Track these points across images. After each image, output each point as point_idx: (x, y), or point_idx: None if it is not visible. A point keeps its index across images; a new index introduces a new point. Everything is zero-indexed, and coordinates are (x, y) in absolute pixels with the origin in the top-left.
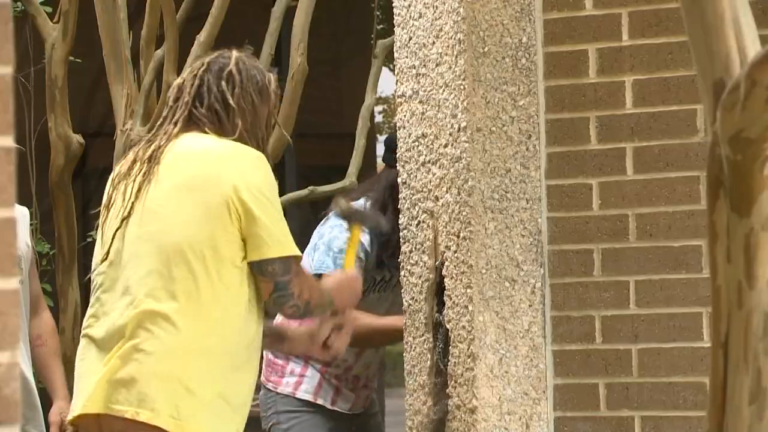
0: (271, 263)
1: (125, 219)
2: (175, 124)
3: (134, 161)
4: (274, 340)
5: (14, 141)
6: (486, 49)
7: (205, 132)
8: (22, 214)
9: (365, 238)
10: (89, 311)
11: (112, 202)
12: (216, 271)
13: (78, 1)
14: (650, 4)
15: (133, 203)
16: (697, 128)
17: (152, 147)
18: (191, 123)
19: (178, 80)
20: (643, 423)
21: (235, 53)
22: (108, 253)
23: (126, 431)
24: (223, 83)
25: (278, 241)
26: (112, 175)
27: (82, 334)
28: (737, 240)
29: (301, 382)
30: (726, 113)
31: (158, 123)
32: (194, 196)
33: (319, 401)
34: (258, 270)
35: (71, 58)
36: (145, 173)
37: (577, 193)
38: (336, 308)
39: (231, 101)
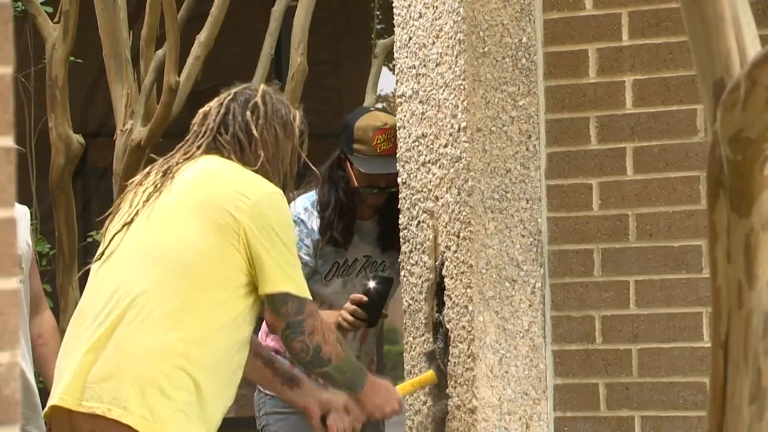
0: (285, 300)
1: (127, 224)
2: (199, 147)
3: (148, 173)
4: (283, 381)
5: (14, 141)
6: (486, 49)
7: (228, 158)
8: (22, 213)
9: (309, 222)
10: (79, 306)
11: (118, 209)
12: (209, 289)
13: (78, 1)
14: (650, 4)
15: (138, 210)
16: (697, 128)
17: (170, 162)
18: (214, 149)
19: (205, 108)
20: (643, 423)
21: (262, 86)
22: (103, 253)
23: (96, 429)
24: (248, 113)
25: (290, 278)
26: (129, 183)
27: (68, 328)
28: (737, 240)
29: None
30: (726, 113)
31: (181, 145)
32: (204, 214)
33: None
34: (272, 306)
35: (71, 58)
36: (156, 185)
37: (577, 193)
38: (358, 397)
39: (255, 132)
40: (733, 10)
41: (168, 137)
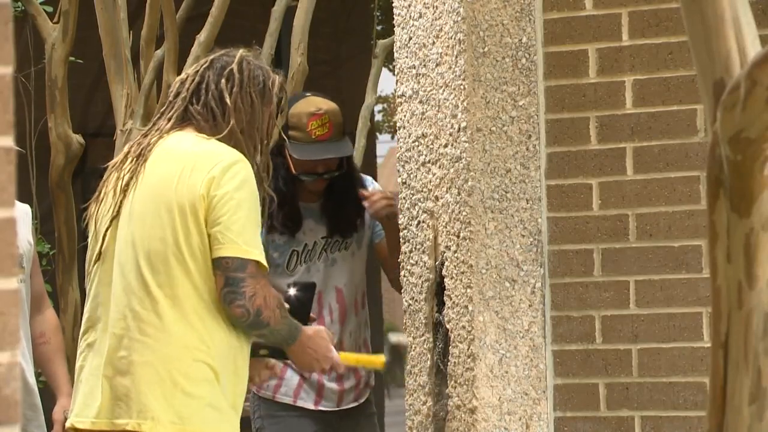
0: (226, 258)
1: (114, 218)
2: (169, 120)
3: (126, 155)
4: None
5: (14, 141)
6: (486, 49)
7: (200, 129)
8: (24, 211)
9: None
10: (85, 314)
11: (102, 196)
12: (197, 272)
13: (78, 1)
14: (650, 4)
15: (121, 201)
16: (697, 128)
17: (143, 144)
18: (185, 120)
19: (182, 75)
20: (643, 423)
21: (241, 52)
22: (101, 253)
23: None
24: (223, 81)
25: (235, 242)
26: (109, 165)
27: (80, 338)
28: (737, 240)
29: (280, 385)
30: (726, 113)
31: (155, 117)
32: (167, 198)
33: (300, 403)
34: (215, 266)
35: (71, 58)
36: (132, 171)
37: (577, 193)
38: (290, 350)
39: (228, 100)
40: (733, 10)
41: None
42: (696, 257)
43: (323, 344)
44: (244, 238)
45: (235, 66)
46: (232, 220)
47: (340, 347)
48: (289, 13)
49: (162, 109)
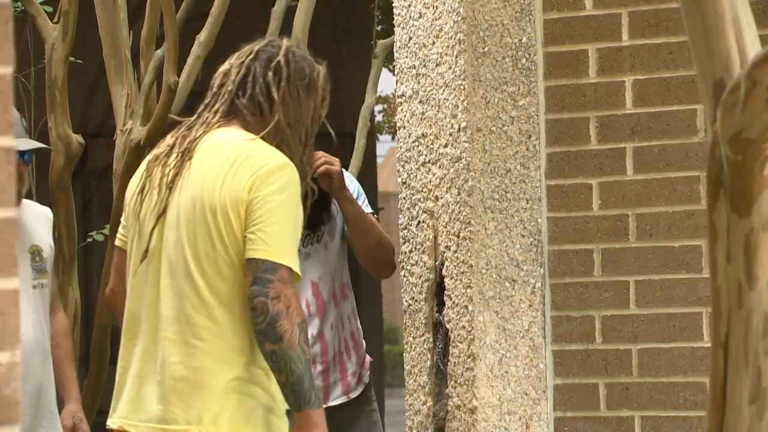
0: (258, 260)
1: (160, 216)
2: (215, 113)
3: (172, 148)
4: None
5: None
6: (486, 49)
7: (245, 123)
8: (45, 215)
9: None
10: (127, 312)
11: (146, 189)
12: (245, 275)
13: (78, 1)
14: (650, 4)
15: (167, 199)
16: (697, 128)
17: (189, 138)
18: (231, 113)
19: (224, 66)
20: (643, 423)
21: (286, 43)
22: (147, 251)
23: None
24: (270, 74)
25: (269, 246)
26: (148, 157)
27: (123, 336)
28: (737, 240)
29: None
30: (726, 113)
31: (200, 109)
32: (213, 200)
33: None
34: (247, 267)
35: (71, 58)
36: (177, 167)
37: (577, 193)
38: (299, 417)
39: (275, 95)
40: (733, 10)
41: None
42: (696, 257)
43: None
44: (279, 243)
45: (281, 58)
46: (268, 223)
47: (320, 340)
48: (289, 13)
49: (207, 101)
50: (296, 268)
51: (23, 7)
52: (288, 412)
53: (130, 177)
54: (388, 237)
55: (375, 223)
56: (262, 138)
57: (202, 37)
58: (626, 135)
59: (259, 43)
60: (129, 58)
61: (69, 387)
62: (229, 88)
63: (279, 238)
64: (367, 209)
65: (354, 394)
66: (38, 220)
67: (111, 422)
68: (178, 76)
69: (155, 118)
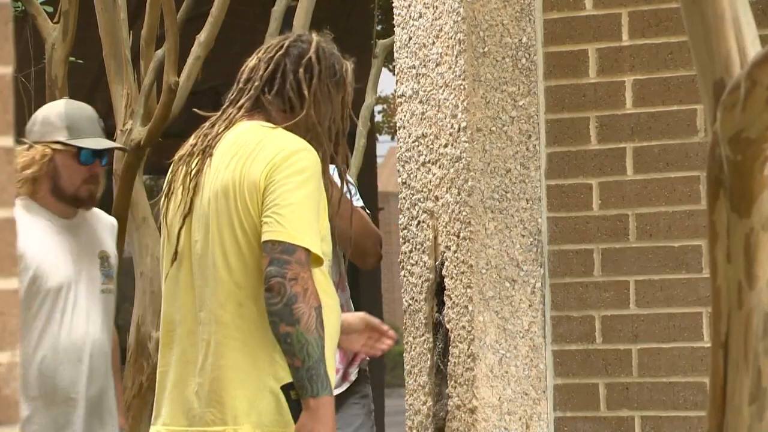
0: (273, 242)
1: (186, 216)
2: (239, 108)
3: (194, 147)
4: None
5: (14, 141)
6: (486, 49)
7: (269, 118)
8: (111, 224)
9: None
10: (164, 316)
11: (172, 190)
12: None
13: (78, 1)
14: (650, 4)
15: (191, 199)
16: (697, 128)
17: (210, 136)
18: (256, 108)
19: (252, 61)
20: (643, 423)
21: (316, 39)
22: (176, 253)
23: None
24: (301, 71)
25: (284, 227)
26: (175, 158)
27: (160, 341)
28: (737, 240)
29: None
30: (726, 113)
31: (225, 105)
32: (234, 194)
33: None
34: (263, 250)
35: (71, 58)
36: (199, 165)
37: (577, 193)
38: (307, 403)
39: (306, 91)
40: (733, 10)
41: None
42: (696, 257)
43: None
44: (296, 224)
45: (312, 54)
46: (283, 205)
47: None
48: (289, 13)
49: (232, 96)
50: (316, 250)
51: (23, 7)
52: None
53: (130, 177)
54: (374, 227)
55: (357, 209)
56: (290, 131)
57: (202, 37)
58: (626, 135)
59: (289, 38)
60: (129, 58)
61: (116, 399)
62: (256, 83)
63: (295, 219)
64: (358, 203)
65: (340, 389)
66: (104, 228)
67: (154, 429)
68: (179, 76)
69: (155, 118)
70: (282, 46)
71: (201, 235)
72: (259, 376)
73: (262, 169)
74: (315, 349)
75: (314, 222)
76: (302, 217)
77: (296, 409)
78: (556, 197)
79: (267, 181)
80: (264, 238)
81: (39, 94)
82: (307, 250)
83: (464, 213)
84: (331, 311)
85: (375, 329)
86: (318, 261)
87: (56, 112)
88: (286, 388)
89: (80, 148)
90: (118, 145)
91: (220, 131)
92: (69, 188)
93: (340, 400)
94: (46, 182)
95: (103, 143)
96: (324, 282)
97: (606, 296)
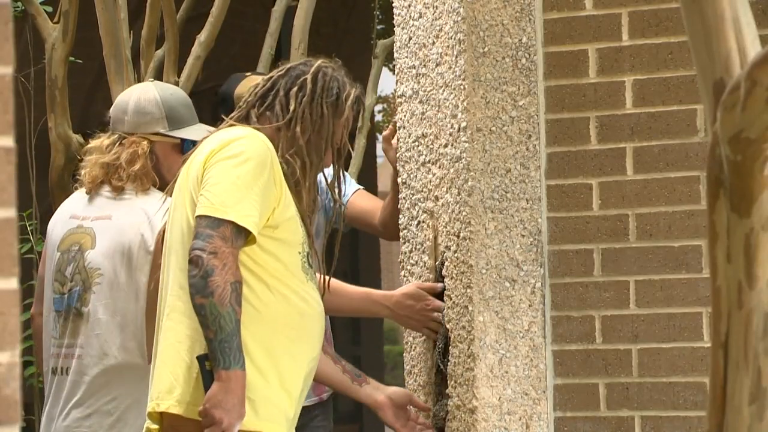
0: (199, 216)
1: (168, 210)
2: (229, 119)
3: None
4: (353, 378)
5: (14, 141)
6: (486, 49)
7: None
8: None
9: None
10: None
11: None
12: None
13: (78, 1)
14: (650, 4)
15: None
16: (697, 128)
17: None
18: (245, 121)
19: (256, 81)
20: (643, 423)
21: (319, 63)
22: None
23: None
24: (294, 90)
25: (210, 202)
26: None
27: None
28: (737, 240)
29: None
30: (726, 113)
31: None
32: (185, 186)
33: None
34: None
35: (71, 58)
36: (181, 172)
37: (577, 193)
38: (217, 375)
39: (293, 107)
40: (733, 10)
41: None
42: (696, 257)
43: (239, 405)
44: (222, 198)
45: (309, 76)
46: (213, 183)
47: None
48: (289, 13)
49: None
50: (243, 223)
51: (23, 7)
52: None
53: None
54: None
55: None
56: (276, 145)
57: (202, 37)
58: (626, 135)
59: (297, 62)
60: (129, 58)
61: None
62: (250, 99)
63: (223, 193)
64: (352, 187)
65: (308, 402)
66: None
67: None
68: (179, 76)
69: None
70: (284, 69)
71: (168, 231)
72: (190, 356)
73: (203, 158)
74: (228, 323)
75: (249, 199)
76: (231, 193)
77: (210, 379)
78: (556, 197)
79: (204, 167)
80: (195, 215)
81: (39, 94)
82: (234, 225)
83: (464, 213)
84: (308, 317)
85: (409, 413)
86: (246, 238)
87: (151, 100)
88: (201, 359)
89: (183, 139)
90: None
91: (201, 141)
92: (171, 179)
93: (309, 413)
94: (151, 176)
95: (204, 130)
96: (300, 287)
97: (606, 296)
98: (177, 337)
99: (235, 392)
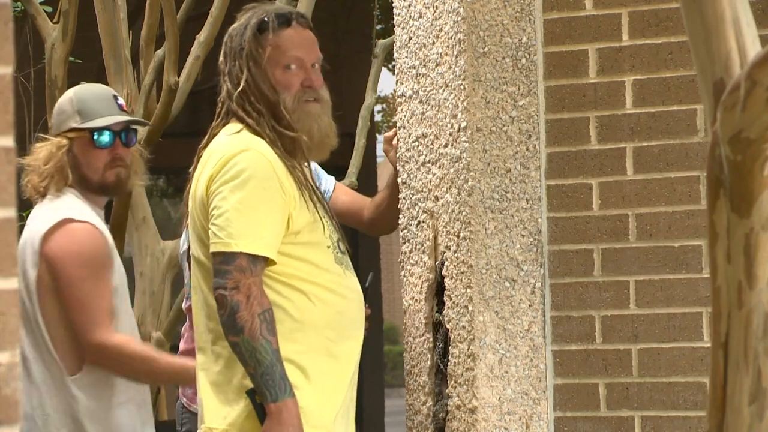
0: (213, 254)
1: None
2: (217, 116)
3: (198, 158)
4: None
5: (14, 141)
6: (486, 49)
7: (241, 119)
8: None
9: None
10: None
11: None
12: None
13: (78, 1)
14: (650, 4)
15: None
16: (697, 128)
17: (200, 147)
18: (230, 115)
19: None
20: (643, 423)
21: (227, 34)
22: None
23: None
24: (226, 79)
25: (217, 237)
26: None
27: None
28: (737, 240)
29: None
30: (726, 113)
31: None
32: (192, 217)
33: None
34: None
35: (71, 58)
36: (189, 183)
37: (577, 193)
38: (268, 409)
39: (233, 89)
40: (733, 10)
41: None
42: (696, 257)
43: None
44: (229, 231)
45: (221, 57)
46: (217, 214)
47: None
48: None
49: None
50: (259, 251)
51: (23, 7)
52: (260, 405)
53: None
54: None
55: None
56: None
57: (202, 37)
58: (626, 135)
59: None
60: (129, 58)
61: None
62: (222, 97)
63: (230, 225)
64: (330, 181)
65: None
66: None
67: None
68: (178, 76)
69: (155, 119)
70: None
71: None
72: (230, 381)
73: (205, 183)
74: (265, 355)
75: (256, 222)
76: (236, 222)
77: (262, 413)
78: (556, 197)
79: (208, 194)
80: (210, 251)
81: (39, 94)
82: (249, 255)
83: (464, 213)
84: (346, 314)
85: None
86: (263, 263)
87: (67, 99)
88: (250, 393)
89: (93, 130)
90: (133, 118)
91: (203, 145)
92: (93, 176)
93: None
94: (72, 175)
95: (115, 119)
96: (336, 282)
97: (606, 296)
98: (216, 366)
99: (288, 422)
